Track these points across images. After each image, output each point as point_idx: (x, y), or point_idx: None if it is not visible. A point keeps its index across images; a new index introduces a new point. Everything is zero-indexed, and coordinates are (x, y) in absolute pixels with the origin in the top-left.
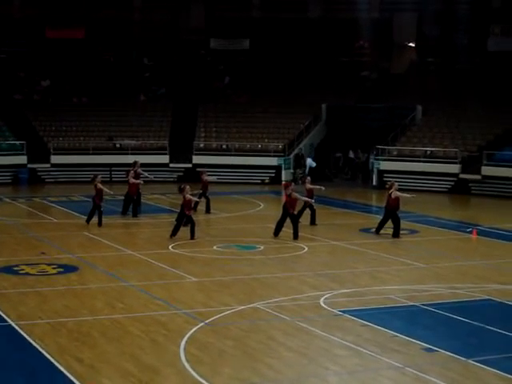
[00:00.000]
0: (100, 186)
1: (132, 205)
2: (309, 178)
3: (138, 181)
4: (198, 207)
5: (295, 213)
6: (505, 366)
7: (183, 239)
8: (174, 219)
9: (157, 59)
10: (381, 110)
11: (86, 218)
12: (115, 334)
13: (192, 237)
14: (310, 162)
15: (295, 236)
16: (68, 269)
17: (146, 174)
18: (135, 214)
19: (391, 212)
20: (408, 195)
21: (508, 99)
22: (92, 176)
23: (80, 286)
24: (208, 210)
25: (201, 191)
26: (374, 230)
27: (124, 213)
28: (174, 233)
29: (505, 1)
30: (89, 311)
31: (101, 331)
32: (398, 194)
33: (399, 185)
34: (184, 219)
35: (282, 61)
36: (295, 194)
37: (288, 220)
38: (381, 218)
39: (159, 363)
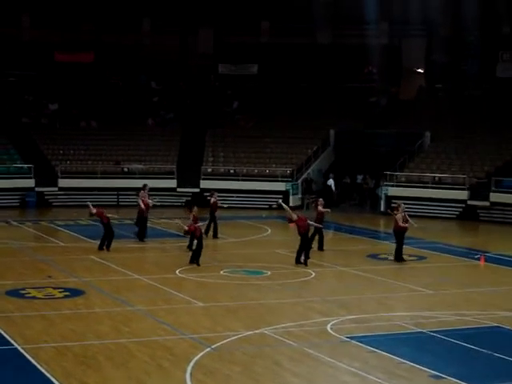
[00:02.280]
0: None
1: (139, 229)
2: (321, 199)
3: (149, 201)
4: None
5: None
6: None
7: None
8: (182, 244)
9: (165, 84)
10: (389, 135)
11: (92, 241)
12: (121, 359)
13: (196, 261)
14: (331, 182)
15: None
16: (74, 293)
17: (150, 201)
18: (141, 238)
19: (396, 234)
20: (412, 223)
21: None
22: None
23: (86, 309)
24: (215, 235)
25: (209, 216)
26: (384, 255)
27: (141, 238)
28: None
29: None
30: (95, 335)
31: (107, 356)
32: (399, 217)
33: (408, 211)
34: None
35: (291, 86)
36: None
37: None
38: (392, 243)
39: None
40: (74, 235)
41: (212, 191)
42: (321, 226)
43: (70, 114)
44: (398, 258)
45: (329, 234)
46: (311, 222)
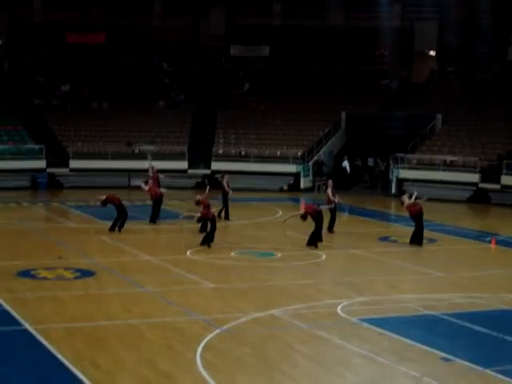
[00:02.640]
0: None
1: (152, 212)
2: (330, 181)
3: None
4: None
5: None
6: None
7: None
8: (192, 225)
9: (177, 65)
10: (400, 118)
11: (103, 222)
12: (132, 340)
13: (207, 242)
14: (345, 164)
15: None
16: (85, 273)
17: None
18: (153, 221)
19: (415, 218)
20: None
21: None
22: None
23: (97, 290)
24: (227, 217)
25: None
26: (395, 238)
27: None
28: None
29: None
30: (106, 316)
31: (117, 337)
32: (408, 201)
33: (419, 193)
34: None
35: (302, 68)
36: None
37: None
38: (403, 226)
39: (176, 370)
40: (85, 216)
41: (223, 173)
42: (331, 206)
43: (82, 95)
44: (418, 240)
45: (340, 217)
46: (322, 206)
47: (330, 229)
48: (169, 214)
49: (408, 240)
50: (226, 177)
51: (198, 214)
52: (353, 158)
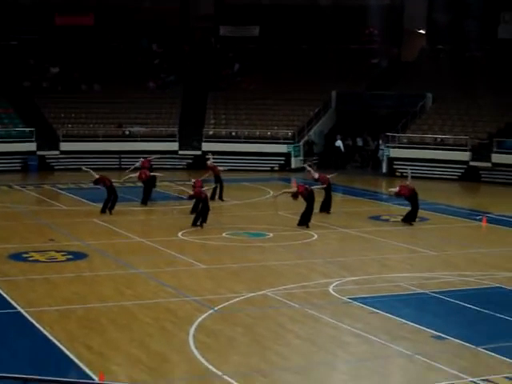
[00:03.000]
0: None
1: (143, 194)
2: (308, 163)
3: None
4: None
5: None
6: None
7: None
8: (184, 206)
9: (166, 46)
10: (391, 97)
11: (94, 204)
12: (124, 321)
13: (200, 223)
14: (339, 143)
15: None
16: (77, 256)
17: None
18: (145, 202)
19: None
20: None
21: None
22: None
23: (89, 273)
24: (216, 197)
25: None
26: (387, 217)
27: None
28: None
29: None
30: (98, 298)
31: (110, 318)
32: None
33: (411, 173)
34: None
35: (292, 48)
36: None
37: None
38: (394, 204)
39: (168, 350)
40: (76, 198)
41: (208, 153)
42: (324, 186)
43: (72, 77)
44: (411, 218)
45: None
46: (314, 186)
47: (328, 209)
48: (160, 195)
49: (399, 218)
50: (211, 158)
51: (191, 192)
52: (343, 137)
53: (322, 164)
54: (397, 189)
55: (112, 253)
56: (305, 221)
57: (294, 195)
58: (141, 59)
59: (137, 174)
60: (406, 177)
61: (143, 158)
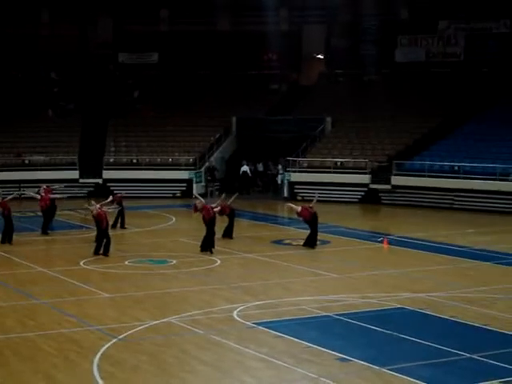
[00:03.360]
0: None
1: (43, 221)
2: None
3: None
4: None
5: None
6: (418, 373)
7: (94, 255)
8: (85, 235)
9: (65, 74)
10: (290, 121)
11: None
12: (28, 353)
13: (105, 252)
14: (245, 168)
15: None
16: None
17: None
18: (45, 231)
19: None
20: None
21: (417, 109)
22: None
23: None
24: (119, 225)
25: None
26: (289, 241)
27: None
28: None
29: (412, 12)
30: (0, 330)
31: (13, 350)
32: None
33: (311, 196)
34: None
35: (192, 74)
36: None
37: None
38: (296, 228)
39: (73, 381)
40: None
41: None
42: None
43: None
44: (312, 243)
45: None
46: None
47: (230, 235)
48: (60, 224)
49: (301, 242)
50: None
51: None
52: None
53: (224, 189)
54: (299, 209)
55: (13, 283)
56: (207, 246)
57: (196, 209)
58: (40, 88)
59: (38, 196)
60: (311, 200)
61: (46, 186)
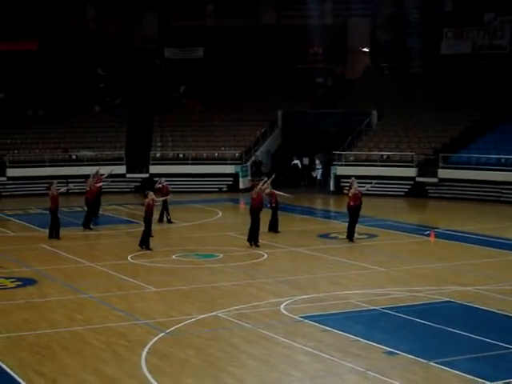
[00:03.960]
0: (54, 193)
1: (86, 214)
2: (266, 180)
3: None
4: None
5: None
6: (466, 367)
7: (142, 249)
8: (133, 229)
9: (111, 69)
10: (336, 115)
11: (43, 230)
12: (76, 347)
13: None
14: (296, 161)
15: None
16: (26, 282)
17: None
18: (87, 226)
19: (350, 211)
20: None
21: (462, 102)
22: (47, 184)
23: (39, 299)
24: (165, 219)
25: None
26: (335, 234)
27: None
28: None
29: (456, 4)
30: (48, 324)
31: (61, 344)
32: (353, 191)
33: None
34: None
35: (237, 68)
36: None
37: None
38: (343, 222)
39: (121, 374)
40: (23, 224)
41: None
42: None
43: (17, 102)
44: (350, 235)
45: (279, 215)
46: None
47: (275, 228)
48: (108, 218)
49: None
50: (163, 180)
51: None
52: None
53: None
54: (350, 192)
55: (61, 278)
56: (254, 237)
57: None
58: (86, 83)
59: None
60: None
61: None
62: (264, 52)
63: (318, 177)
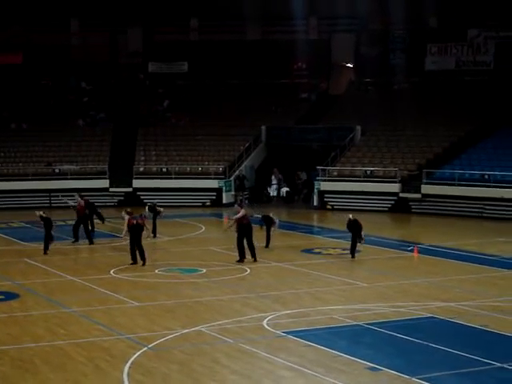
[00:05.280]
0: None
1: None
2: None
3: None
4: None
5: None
6: (449, 383)
7: (124, 264)
8: (116, 244)
9: (95, 83)
10: (320, 130)
11: (26, 243)
12: (58, 361)
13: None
14: (304, 175)
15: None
16: (9, 296)
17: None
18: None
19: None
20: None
21: (446, 118)
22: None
23: (21, 313)
24: (154, 234)
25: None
26: (318, 250)
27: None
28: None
29: (441, 20)
30: (31, 338)
31: (43, 358)
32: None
33: (341, 205)
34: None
35: (221, 83)
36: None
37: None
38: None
39: None
40: (6, 238)
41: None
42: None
43: (0, 116)
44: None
45: (263, 231)
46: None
47: (266, 244)
48: (91, 233)
49: (331, 251)
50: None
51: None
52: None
53: (253, 198)
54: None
55: (44, 292)
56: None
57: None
58: (70, 97)
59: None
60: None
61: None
62: (248, 67)
63: (272, 193)
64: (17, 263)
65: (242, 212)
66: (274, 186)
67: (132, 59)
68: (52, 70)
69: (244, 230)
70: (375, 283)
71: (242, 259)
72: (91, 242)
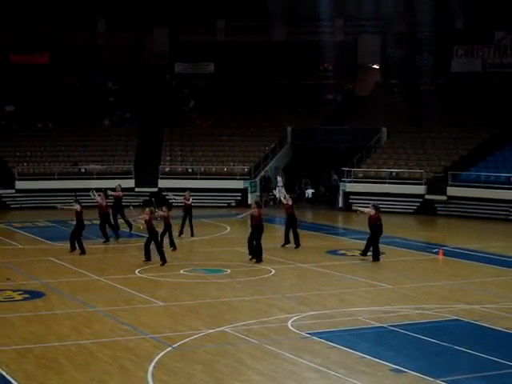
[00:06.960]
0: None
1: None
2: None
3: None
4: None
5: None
6: None
7: (150, 263)
8: (141, 243)
9: (121, 84)
10: (346, 132)
11: (51, 243)
12: (82, 360)
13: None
14: (336, 177)
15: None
16: (34, 295)
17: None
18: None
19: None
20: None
21: (472, 120)
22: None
23: (46, 311)
24: (177, 233)
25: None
26: (343, 251)
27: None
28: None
29: (468, 22)
30: (56, 337)
31: (68, 357)
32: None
33: (366, 207)
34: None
35: (247, 84)
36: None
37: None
38: (350, 239)
39: None
40: (32, 237)
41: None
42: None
43: (27, 115)
44: (365, 253)
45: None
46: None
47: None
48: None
49: (356, 253)
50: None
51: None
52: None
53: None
54: (372, 212)
55: (69, 291)
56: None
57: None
58: (96, 97)
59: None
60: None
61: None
62: (274, 68)
63: (277, 195)
64: (42, 262)
65: (251, 210)
66: (278, 188)
67: (158, 59)
68: (78, 70)
69: (252, 229)
70: (400, 285)
71: (253, 258)
72: (107, 240)
